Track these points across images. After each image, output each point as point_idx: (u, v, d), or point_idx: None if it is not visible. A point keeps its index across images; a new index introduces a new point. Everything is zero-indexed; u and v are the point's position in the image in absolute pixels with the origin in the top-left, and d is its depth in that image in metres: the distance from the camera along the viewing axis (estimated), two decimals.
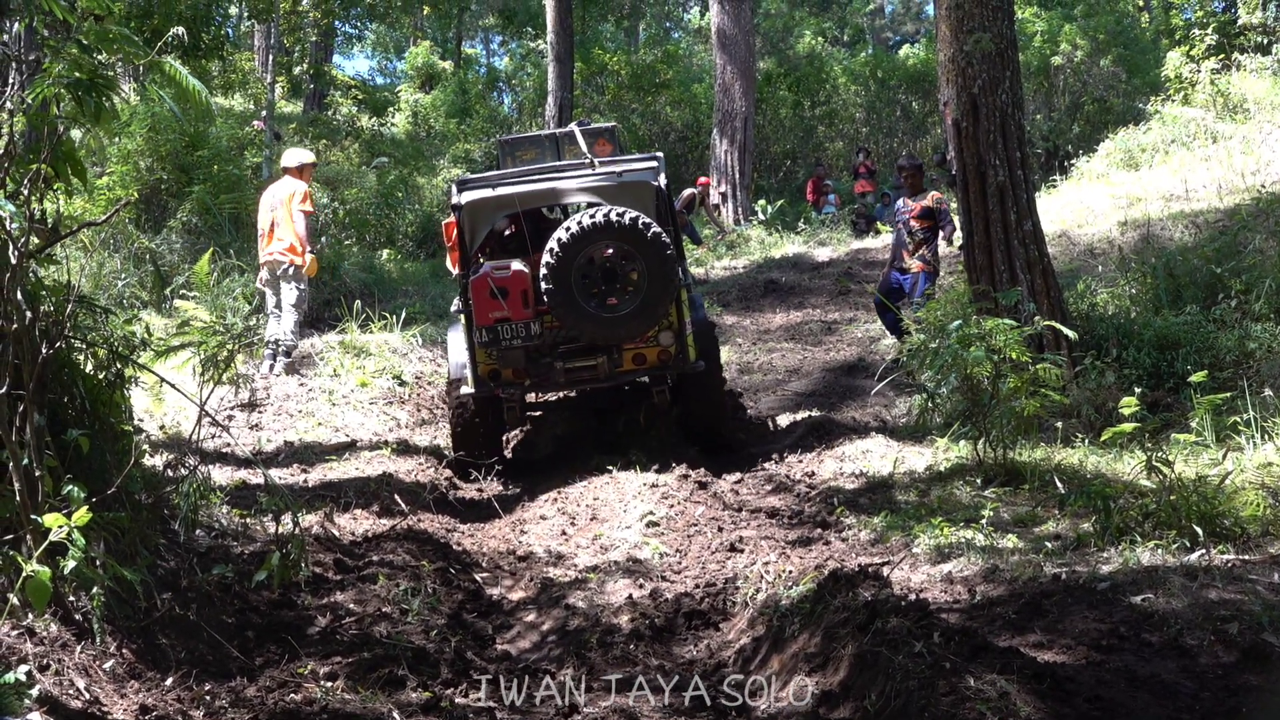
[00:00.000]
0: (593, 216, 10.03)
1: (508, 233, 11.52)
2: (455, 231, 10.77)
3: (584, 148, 11.21)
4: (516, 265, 10.48)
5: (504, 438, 11.56)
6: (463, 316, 10.57)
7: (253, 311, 13.97)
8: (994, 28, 10.92)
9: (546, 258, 10.04)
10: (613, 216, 10.00)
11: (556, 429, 11.80)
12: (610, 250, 10.13)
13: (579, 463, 10.37)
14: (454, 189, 10.77)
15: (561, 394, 11.40)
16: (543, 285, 10.09)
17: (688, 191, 26.24)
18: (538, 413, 12.22)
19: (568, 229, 10.05)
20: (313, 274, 13.54)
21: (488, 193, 10.59)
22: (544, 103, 30.01)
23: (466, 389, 10.54)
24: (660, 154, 11.41)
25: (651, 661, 5.83)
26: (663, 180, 10.75)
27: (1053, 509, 7.53)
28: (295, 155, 13.77)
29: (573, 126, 11.69)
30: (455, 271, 11.02)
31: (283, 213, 13.20)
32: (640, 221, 10.03)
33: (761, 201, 29.27)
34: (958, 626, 4.96)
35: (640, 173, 10.80)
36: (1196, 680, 4.66)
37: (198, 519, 6.71)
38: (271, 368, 13.11)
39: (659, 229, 10.13)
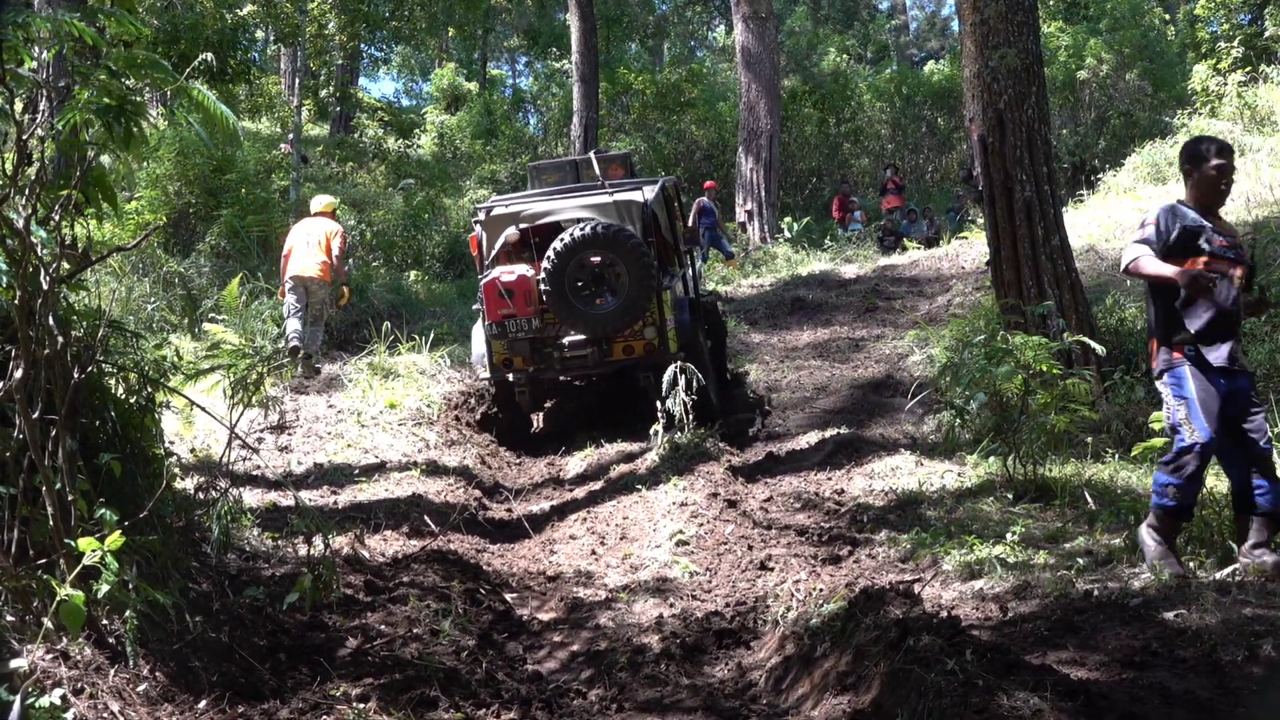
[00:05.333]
0: (583, 229, 12.07)
1: (517, 242, 12.94)
2: (476, 243, 12.97)
3: (598, 172, 13.49)
4: (521, 270, 12.35)
5: (529, 423, 13.67)
6: (480, 314, 12.62)
7: (280, 335, 14.05)
8: (1019, 43, 10.92)
9: (545, 264, 12.08)
10: (599, 229, 12.05)
11: (572, 413, 13.77)
12: (598, 258, 12.08)
13: (593, 437, 12.26)
14: (479, 210, 13.20)
15: (573, 382, 13.54)
16: (541, 287, 12.13)
17: (698, 201, 26.29)
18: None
19: (562, 240, 12.07)
20: (346, 301, 15.34)
21: (501, 210, 12.79)
22: (569, 123, 30.10)
23: (483, 374, 12.79)
24: (668, 176, 13.75)
25: (682, 681, 5.82)
26: (649, 197, 12.74)
27: (1083, 525, 7.51)
28: (324, 200, 15.55)
29: (590, 154, 14.23)
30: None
31: (320, 238, 14.68)
32: (622, 233, 12.07)
33: (787, 219, 29.23)
34: (989, 644, 4.94)
35: (630, 192, 12.78)
36: (1231, 697, 4.63)
37: (229, 541, 6.73)
38: (299, 356, 14.30)
39: (639, 240, 12.16)
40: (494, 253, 12.68)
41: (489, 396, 13.03)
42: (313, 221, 15.07)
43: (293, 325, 14.46)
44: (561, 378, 12.97)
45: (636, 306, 12.14)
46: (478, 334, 13.08)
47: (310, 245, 14.66)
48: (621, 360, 12.51)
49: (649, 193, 12.90)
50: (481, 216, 12.82)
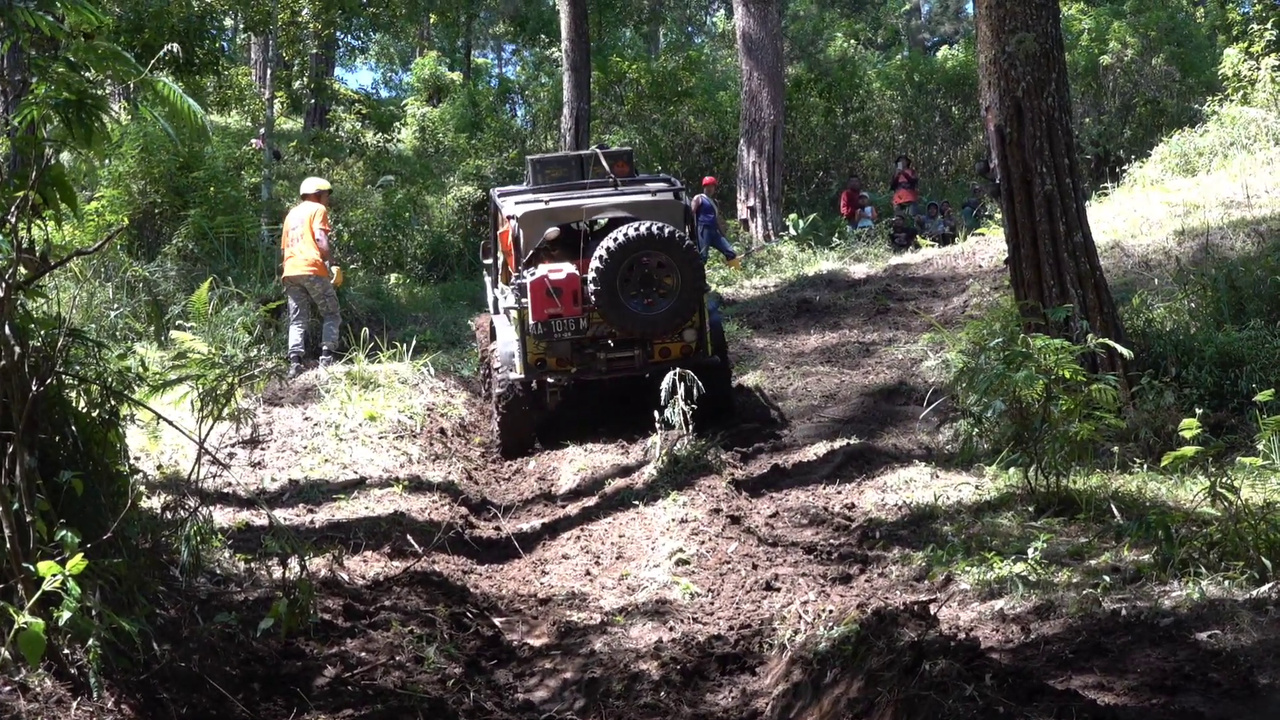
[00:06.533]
0: (637, 229, 12.44)
1: (557, 241, 13.34)
2: (509, 239, 13.24)
3: (606, 168, 13.85)
4: (569, 268, 12.66)
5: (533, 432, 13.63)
6: (514, 313, 12.84)
7: (253, 342, 14.05)
8: (1038, 26, 10.92)
9: (595, 263, 12.43)
10: (654, 229, 12.44)
11: (580, 412, 13.86)
12: (650, 258, 12.47)
13: (582, 436, 12.70)
14: (503, 201, 13.66)
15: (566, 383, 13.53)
16: (591, 286, 12.46)
17: (695, 197, 26.40)
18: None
19: (615, 239, 12.43)
20: (339, 284, 15.98)
21: (540, 206, 13.10)
22: (559, 114, 30.10)
23: (515, 375, 12.80)
24: (670, 177, 14.16)
25: (683, 710, 5.82)
26: (686, 200, 13.39)
27: (1110, 540, 7.51)
28: (313, 183, 16.17)
29: (595, 149, 14.80)
30: (501, 270, 13.92)
31: (303, 230, 15.31)
32: (676, 234, 12.52)
33: (793, 215, 29.22)
34: (1011, 668, 4.94)
35: (670, 193, 13.40)
36: None
37: (199, 564, 6.73)
38: (299, 370, 15.06)
39: (691, 240, 12.77)
40: (531, 250, 13.04)
41: (507, 399, 12.89)
42: (299, 209, 15.74)
43: (294, 336, 15.51)
44: (580, 380, 13.18)
45: (687, 308, 12.67)
46: (505, 332, 13.32)
47: (299, 239, 15.33)
48: (660, 362, 12.77)
49: (683, 192, 13.58)
50: (519, 213, 13.07)
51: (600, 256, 12.38)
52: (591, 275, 12.42)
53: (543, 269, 12.68)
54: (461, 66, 46.10)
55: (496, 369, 13.26)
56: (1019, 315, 11.06)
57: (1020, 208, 11.08)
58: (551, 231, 13.10)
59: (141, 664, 5.11)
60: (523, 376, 12.79)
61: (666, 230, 12.46)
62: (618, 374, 13.05)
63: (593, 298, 12.48)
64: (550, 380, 13.04)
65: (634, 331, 12.67)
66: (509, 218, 13.23)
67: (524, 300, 12.65)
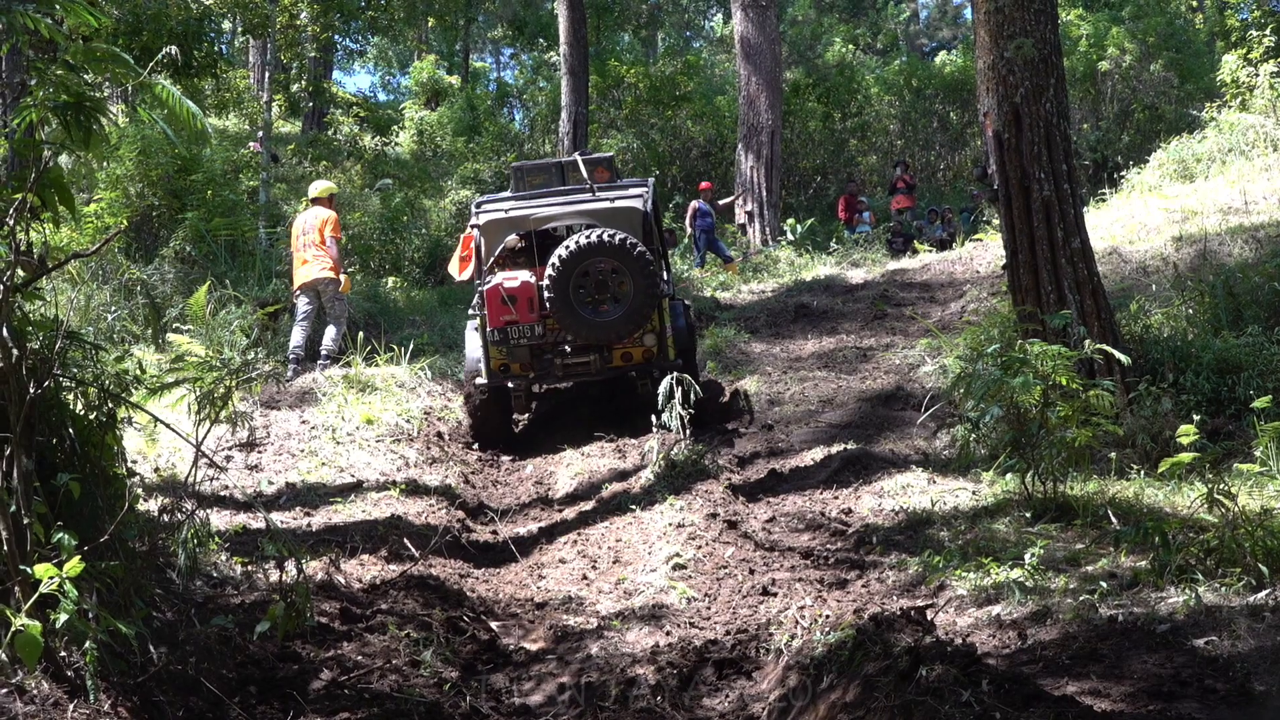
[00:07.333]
0: (588, 236, 12.72)
1: (517, 247, 14.07)
2: (472, 244, 13.59)
3: (585, 175, 13.95)
4: (524, 276, 13.09)
5: (514, 422, 14.27)
6: (478, 319, 13.25)
7: (251, 345, 14.05)
8: (1036, 32, 10.92)
9: (549, 271, 12.71)
10: (605, 237, 12.71)
11: (559, 421, 14.34)
12: (603, 265, 12.72)
13: (578, 440, 12.76)
14: (475, 210, 13.79)
15: (563, 385, 14.11)
16: (545, 294, 12.77)
17: (693, 203, 26.40)
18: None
19: (567, 247, 12.72)
20: (348, 290, 16.02)
21: (500, 215, 13.41)
22: (557, 119, 30.09)
23: (481, 380, 13.16)
24: (650, 180, 14.51)
25: (678, 716, 5.82)
26: (649, 205, 13.58)
27: (1107, 546, 7.50)
28: (321, 186, 16.27)
29: (575, 156, 14.93)
30: (459, 277, 14.11)
31: (315, 237, 15.48)
32: (628, 242, 12.75)
33: (790, 220, 29.23)
34: (1008, 673, 4.94)
35: (630, 199, 13.54)
36: None
37: (196, 567, 6.72)
38: (297, 372, 15.12)
39: (644, 248, 12.86)
40: (493, 258, 13.45)
41: (474, 403, 13.31)
42: (309, 213, 15.82)
43: (296, 338, 15.55)
44: (561, 385, 13.55)
45: (641, 314, 12.83)
46: (472, 338, 13.62)
47: (312, 244, 15.46)
48: (621, 367, 13.27)
49: (646, 198, 13.65)
50: (481, 220, 13.41)
51: (553, 264, 12.67)
52: (545, 282, 12.72)
53: (499, 277, 13.10)
54: (460, 70, 46.09)
55: (465, 374, 13.73)
56: (1017, 321, 11.06)
57: (1018, 213, 11.08)
58: (511, 240, 13.63)
59: (138, 667, 5.11)
60: (487, 382, 13.14)
61: (618, 237, 12.71)
62: (575, 379, 13.54)
63: (547, 304, 12.79)
64: (511, 385, 13.29)
65: (587, 338, 12.94)
66: (472, 227, 13.59)
67: (483, 309, 13.07)
